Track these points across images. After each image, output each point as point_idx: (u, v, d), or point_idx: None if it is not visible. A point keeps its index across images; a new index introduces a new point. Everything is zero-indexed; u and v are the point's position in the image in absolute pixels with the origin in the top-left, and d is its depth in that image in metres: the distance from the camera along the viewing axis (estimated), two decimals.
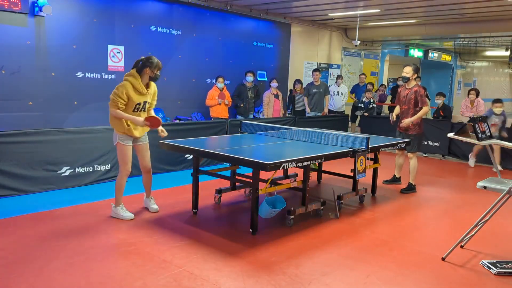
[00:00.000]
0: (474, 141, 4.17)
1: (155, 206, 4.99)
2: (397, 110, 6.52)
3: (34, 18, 6.61)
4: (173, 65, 8.57)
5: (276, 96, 9.53)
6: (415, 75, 6.18)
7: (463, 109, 9.55)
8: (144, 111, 4.68)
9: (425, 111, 6.14)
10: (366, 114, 10.55)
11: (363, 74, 11.69)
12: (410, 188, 6.32)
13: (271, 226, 4.58)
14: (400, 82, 10.88)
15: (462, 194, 6.34)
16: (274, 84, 9.40)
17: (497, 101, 7.85)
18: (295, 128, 6.25)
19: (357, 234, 4.48)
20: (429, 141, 9.31)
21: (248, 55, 10.05)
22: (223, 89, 8.51)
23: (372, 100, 10.52)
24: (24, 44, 6.57)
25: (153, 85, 4.70)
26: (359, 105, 10.70)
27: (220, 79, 8.43)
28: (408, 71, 6.15)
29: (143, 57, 4.51)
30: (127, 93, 4.45)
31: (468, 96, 9.42)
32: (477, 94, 9.27)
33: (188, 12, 8.74)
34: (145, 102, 4.62)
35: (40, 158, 5.49)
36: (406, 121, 6.16)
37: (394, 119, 6.54)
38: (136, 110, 4.57)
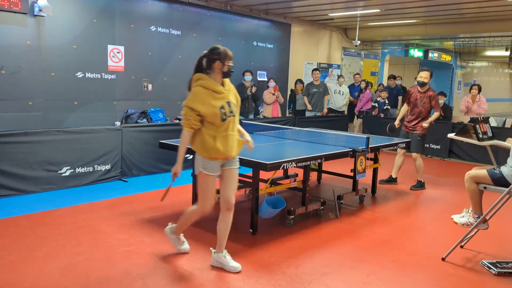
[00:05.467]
0: (475, 141, 4.18)
1: (235, 265, 3.54)
2: (403, 111, 6.66)
3: (34, 18, 6.60)
4: (173, 65, 8.56)
5: (274, 95, 9.55)
6: (430, 80, 6.36)
7: (462, 105, 9.44)
8: (234, 116, 3.44)
9: (438, 115, 6.50)
10: (382, 115, 10.31)
11: (358, 74, 11.67)
12: (420, 185, 6.50)
13: (271, 226, 4.58)
14: (397, 82, 10.96)
15: (462, 194, 6.33)
16: (271, 83, 9.42)
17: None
18: (295, 128, 6.26)
19: (357, 234, 4.48)
20: (430, 144, 9.30)
21: (248, 55, 10.05)
22: None
23: (387, 102, 10.39)
24: (24, 44, 6.56)
25: (228, 82, 3.50)
26: (374, 104, 10.60)
27: None
28: (426, 76, 6.26)
29: (205, 51, 3.45)
30: (200, 101, 3.30)
31: (470, 92, 9.35)
32: (479, 90, 9.18)
33: (188, 12, 8.74)
34: (229, 103, 3.39)
35: (40, 158, 5.49)
36: (428, 123, 6.33)
37: (397, 126, 6.68)
38: (224, 118, 3.34)
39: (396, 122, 6.70)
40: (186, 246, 3.85)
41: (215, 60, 3.34)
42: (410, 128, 6.43)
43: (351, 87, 11.26)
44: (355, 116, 10.92)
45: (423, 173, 6.55)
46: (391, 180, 6.70)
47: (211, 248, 3.61)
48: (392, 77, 11.15)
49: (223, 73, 3.38)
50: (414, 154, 6.46)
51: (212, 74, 3.38)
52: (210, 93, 3.32)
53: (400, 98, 10.80)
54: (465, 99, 9.42)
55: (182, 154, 3.38)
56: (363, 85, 10.77)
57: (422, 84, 6.29)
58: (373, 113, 10.49)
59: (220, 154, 3.36)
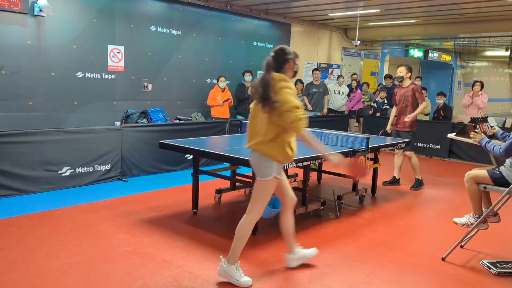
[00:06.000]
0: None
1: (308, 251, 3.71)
2: (393, 114, 6.66)
3: (34, 18, 6.60)
4: (173, 65, 8.57)
5: None
6: (409, 74, 6.42)
7: (465, 99, 9.61)
8: None
9: (425, 106, 6.47)
10: (378, 114, 10.28)
11: (355, 74, 11.67)
12: (419, 184, 6.51)
13: (271, 226, 4.58)
14: (395, 82, 10.94)
15: (462, 194, 6.32)
16: None
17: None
18: None
19: (357, 234, 4.48)
20: (430, 144, 9.30)
21: (248, 55, 10.05)
22: (225, 88, 8.50)
23: (386, 101, 10.36)
24: (24, 44, 6.56)
25: None
26: (373, 104, 10.59)
27: (222, 79, 8.43)
28: (401, 70, 6.40)
29: (273, 53, 3.27)
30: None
31: (472, 88, 9.43)
32: (482, 87, 9.30)
33: (188, 12, 8.74)
34: None
35: (40, 158, 5.49)
36: (411, 116, 6.29)
37: (390, 131, 6.72)
38: None
39: (388, 127, 6.74)
40: (247, 278, 3.34)
41: (288, 60, 3.26)
42: (400, 127, 6.45)
43: (349, 87, 11.22)
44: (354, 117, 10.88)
45: (419, 171, 6.54)
46: (395, 181, 6.66)
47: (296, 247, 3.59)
48: (388, 76, 11.10)
49: (294, 72, 3.34)
50: (407, 153, 6.46)
51: (284, 74, 3.28)
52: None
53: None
54: (467, 95, 9.56)
55: (324, 149, 3.31)
56: (354, 84, 10.69)
57: (400, 78, 6.41)
58: (369, 112, 10.48)
59: (292, 158, 3.34)
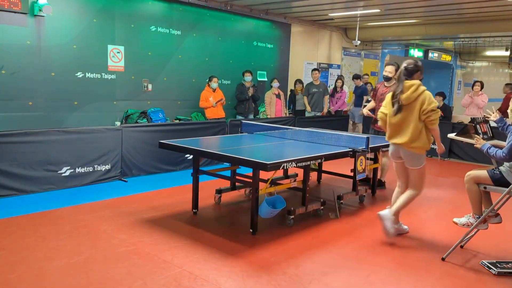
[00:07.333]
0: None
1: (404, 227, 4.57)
2: (370, 105, 6.45)
3: (34, 18, 6.61)
4: (173, 65, 8.57)
5: (278, 96, 9.55)
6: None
7: (464, 99, 9.63)
8: None
9: None
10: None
11: (366, 74, 11.61)
12: (380, 184, 6.29)
13: (271, 226, 4.58)
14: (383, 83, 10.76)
15: (462, 194, 6.32)
16: (275, 84, 9.43)
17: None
18: (295, 128, 6.25)
19: (357, 234, 4.48)
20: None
21: (248, 55, 10.04)
22: (216, 89, 8.40)
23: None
24: (24, 44, 6.56)
25: None
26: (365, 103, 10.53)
27: (215, 79, 8.29)
28: (391, 71, 5.95)
29: (406, 65, 4.13)
30: None
31: (472, 88, 9.46)
32: (482, 87, 9.33)
33: (188, 12, 8.74)
34: None
35: (40, 158, 5.49)
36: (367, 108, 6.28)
37: (365, 114, 6.50)
38: None
39: (365, 110, 6.47)
40: (405, 226, 4.53)
41: (418, 71, 4.12)
42: (378, 127, 6.01)
43: (357, 88, 11.02)
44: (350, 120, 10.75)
45: (386, 173, 6.36)
46: (380, 184, 6.36)
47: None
48: (356, 77, 10.73)
49: (419, 79, 4.19)
50: (381, 152, 6.08)
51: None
52: None
53: (365, 97, 10.36)
54: (467, 95, 9.60)
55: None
56: (339, 83, 10.41)
57: (387, 79, 6.01)
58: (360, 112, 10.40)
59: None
